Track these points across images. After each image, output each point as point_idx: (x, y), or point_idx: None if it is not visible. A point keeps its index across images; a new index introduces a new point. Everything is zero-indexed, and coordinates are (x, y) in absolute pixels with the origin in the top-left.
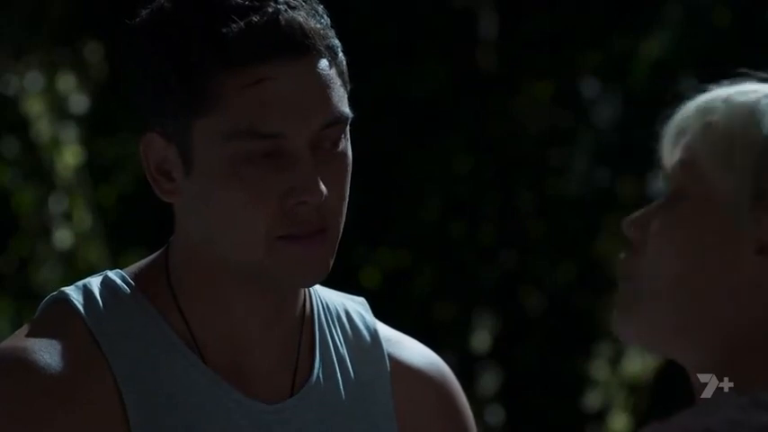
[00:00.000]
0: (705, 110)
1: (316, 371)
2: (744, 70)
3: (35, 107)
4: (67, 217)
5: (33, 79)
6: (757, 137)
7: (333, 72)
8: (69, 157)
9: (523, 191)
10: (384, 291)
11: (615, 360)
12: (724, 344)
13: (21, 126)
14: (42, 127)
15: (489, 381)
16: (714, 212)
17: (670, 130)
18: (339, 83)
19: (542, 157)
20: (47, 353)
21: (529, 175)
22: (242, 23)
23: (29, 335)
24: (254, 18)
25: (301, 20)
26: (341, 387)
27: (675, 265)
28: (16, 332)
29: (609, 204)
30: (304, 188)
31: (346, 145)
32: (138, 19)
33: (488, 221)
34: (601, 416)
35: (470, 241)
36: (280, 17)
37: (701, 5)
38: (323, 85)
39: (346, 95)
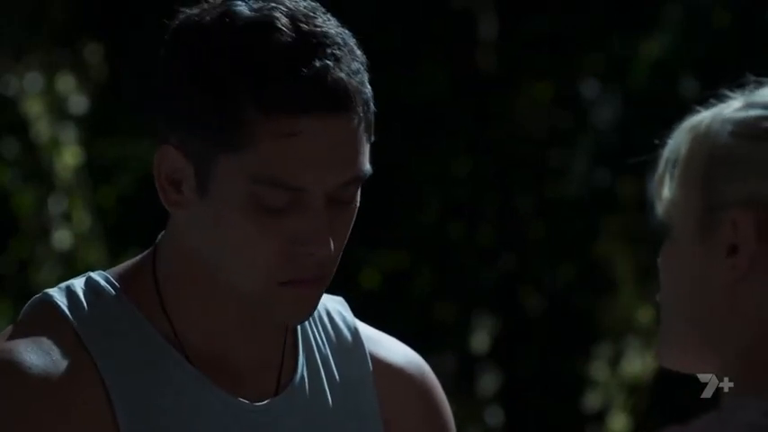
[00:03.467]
0: (675, 142)
1: (300, 370)
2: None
3: (35, 108)
4: (67, 218)
5: (33, 80)
6: (705, 152)
7: (362, 128)
8: (69, 157)
9: (523, 192)
10: (384, 292)
11: (615, 361)
12: (738, 353)
13: (20, 127)
14: (42, 128)
15: (489, 381)
16: (683, 233)
17: (656, 175)
18: (365, 138)
19: (542, 158)
20: (34, 354)
21: (528, 176)
22: (288, 73)
23: (15, 337)
24: (302, 70)
25: (345, 78)
26: (326, 386)
27: (669, 291)
28: (1, 333)
29: (609, 205)
30: (314, 240)
31: (357, 196)
32: (185, 33)
33: (488, 223)
34: (601, 416)
35: (470, 242)
36: (327, 75)
37: (701, 6)
38: (352, 144)
39: (368, 148)
